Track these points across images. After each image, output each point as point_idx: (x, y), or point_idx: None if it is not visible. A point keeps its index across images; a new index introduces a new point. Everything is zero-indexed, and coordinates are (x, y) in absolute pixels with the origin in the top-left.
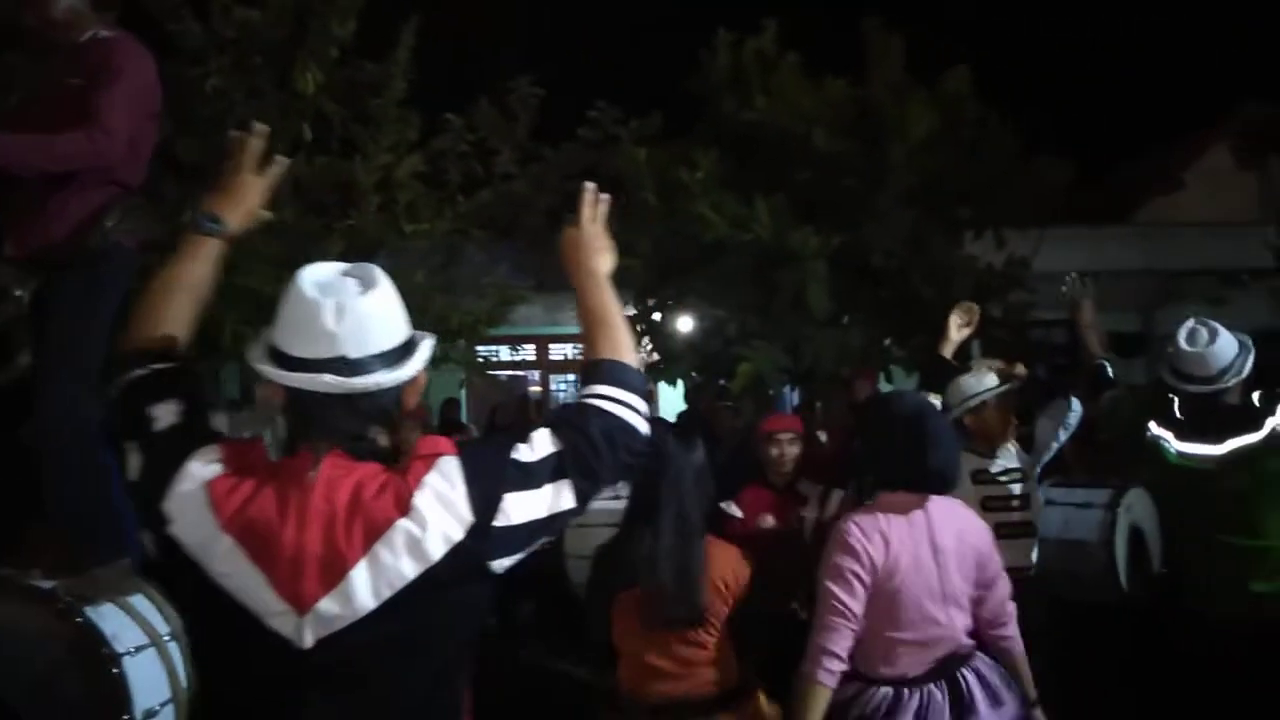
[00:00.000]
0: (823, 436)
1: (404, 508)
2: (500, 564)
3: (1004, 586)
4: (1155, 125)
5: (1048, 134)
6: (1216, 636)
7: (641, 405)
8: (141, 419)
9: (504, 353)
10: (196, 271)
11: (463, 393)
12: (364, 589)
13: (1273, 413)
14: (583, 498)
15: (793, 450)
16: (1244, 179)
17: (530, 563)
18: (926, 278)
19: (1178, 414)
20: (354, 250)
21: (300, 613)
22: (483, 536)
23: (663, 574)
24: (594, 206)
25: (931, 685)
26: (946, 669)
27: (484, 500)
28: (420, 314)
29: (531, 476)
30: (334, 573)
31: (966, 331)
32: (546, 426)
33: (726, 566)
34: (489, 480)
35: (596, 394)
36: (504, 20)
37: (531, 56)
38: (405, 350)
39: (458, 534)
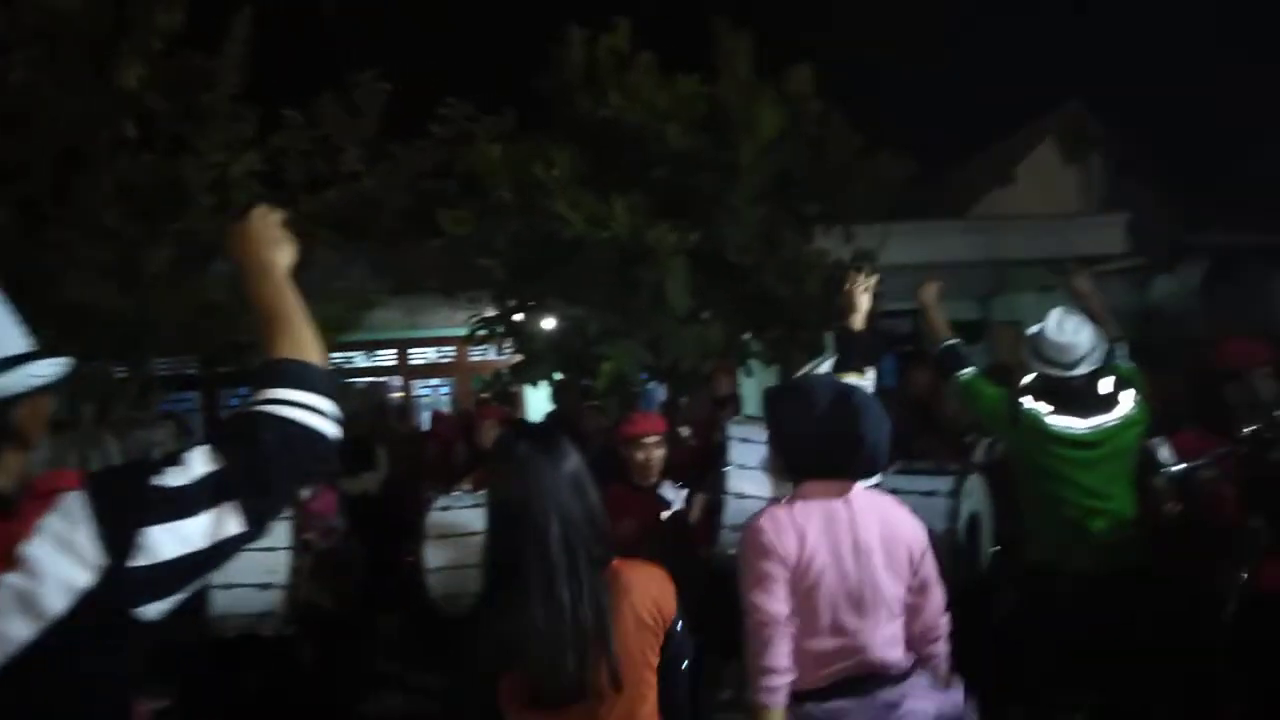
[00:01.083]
0: (685, 432)
1: (9, 560)
2: (150, 610)
3: (938, 594)
4: (988, 124)
5: (889, 132)
6: (1061, 586)
7: (327, 406)
8: None
9: (361, 359)
10: None
11: None
12: None
13: (1123, 397)
14: (256, 519)
15: (658, 454)
16: (1068, 172)
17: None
18: (780, 272)
19: (1044, 393)
20: (186, 256)
21: None
22: (118, 581)
23: (541, 653)
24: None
25: (841, 702)
26: (864, 690)
27: (117, 537)
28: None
29: (182, 503)
30: None
31: (862, 302)
32: (206, 441)
33: (647, 593)
34: (123, 513)
35: (270, 398)
36: (346, 11)
37: (377, 50)
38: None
39: (83, 581)
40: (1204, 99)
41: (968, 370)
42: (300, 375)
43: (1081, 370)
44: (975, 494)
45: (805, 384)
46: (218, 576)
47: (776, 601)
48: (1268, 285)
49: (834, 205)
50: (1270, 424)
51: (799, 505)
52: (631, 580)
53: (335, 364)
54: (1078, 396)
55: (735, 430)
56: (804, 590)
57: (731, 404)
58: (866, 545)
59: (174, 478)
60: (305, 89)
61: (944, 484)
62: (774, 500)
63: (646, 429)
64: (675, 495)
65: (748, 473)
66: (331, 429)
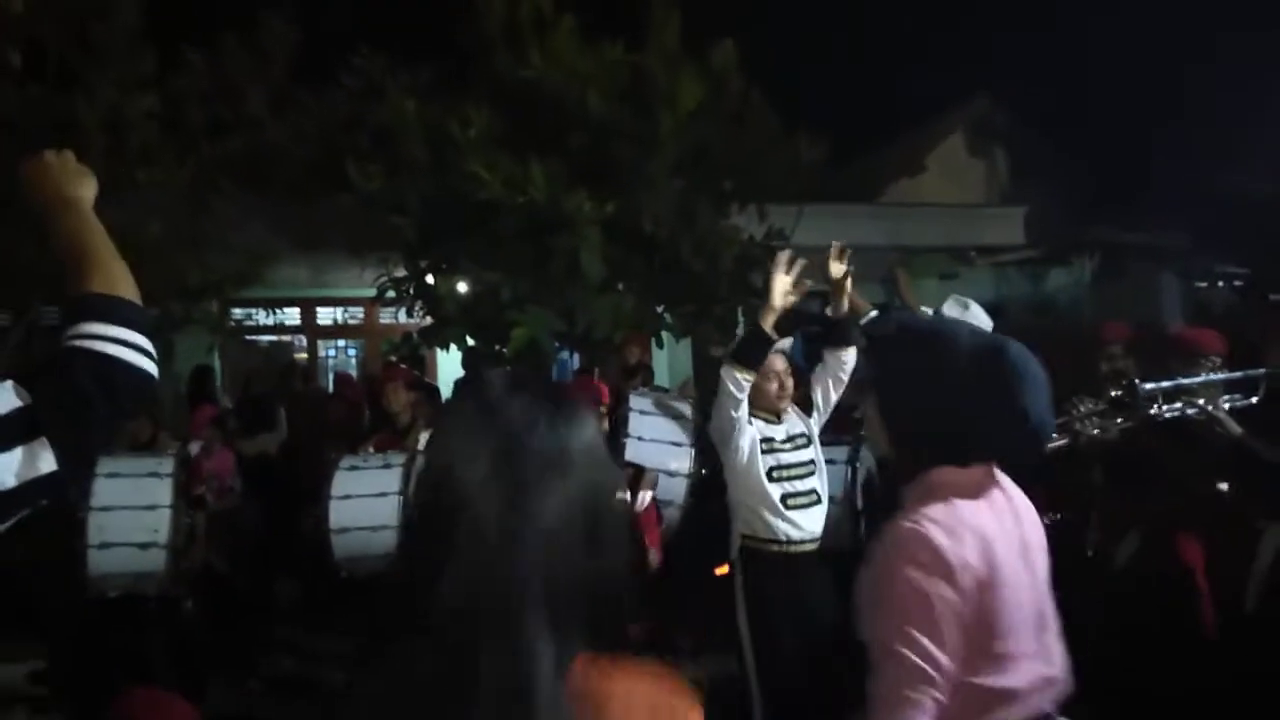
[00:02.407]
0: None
1: None
2: None
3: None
4: (900, 114)
5: (804, 115)
6: None
7: (143, 342)
8: None
9: (263, 317)
10: None
11: (215, 359)
12: None
13: None
14: (73, 455)
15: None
16: (975, 165)
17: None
18: (694, 247)
19: None
20: None
21: None
22: None
23: None
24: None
25: None
26: None
27: None
28: (155, 271)
29: None
30: None
31: (789, 287)
32: (9, 378)
33: None
34: None
35: (82, 333)
36: None
37: None
38: None
39: None
40: (1106, 99)
41: None
42: (112, 309)
43: None
44: (869, 460)
45: (936, 330)
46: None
47: (940, 643)
48: (1152, 281)
49: (749, 183)
50: (1129, 389)
51: (957, 502)
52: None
53: (236, 320)
54: None
55: (636, 401)
56: (986, 615)
57: (641, 373)
58: (1032, 544)
59: None
60: (209, 29)
61: (841, 453)
62: (678, 475)
63: (581, 392)
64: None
65: (646, 445)
66: (148, 365)
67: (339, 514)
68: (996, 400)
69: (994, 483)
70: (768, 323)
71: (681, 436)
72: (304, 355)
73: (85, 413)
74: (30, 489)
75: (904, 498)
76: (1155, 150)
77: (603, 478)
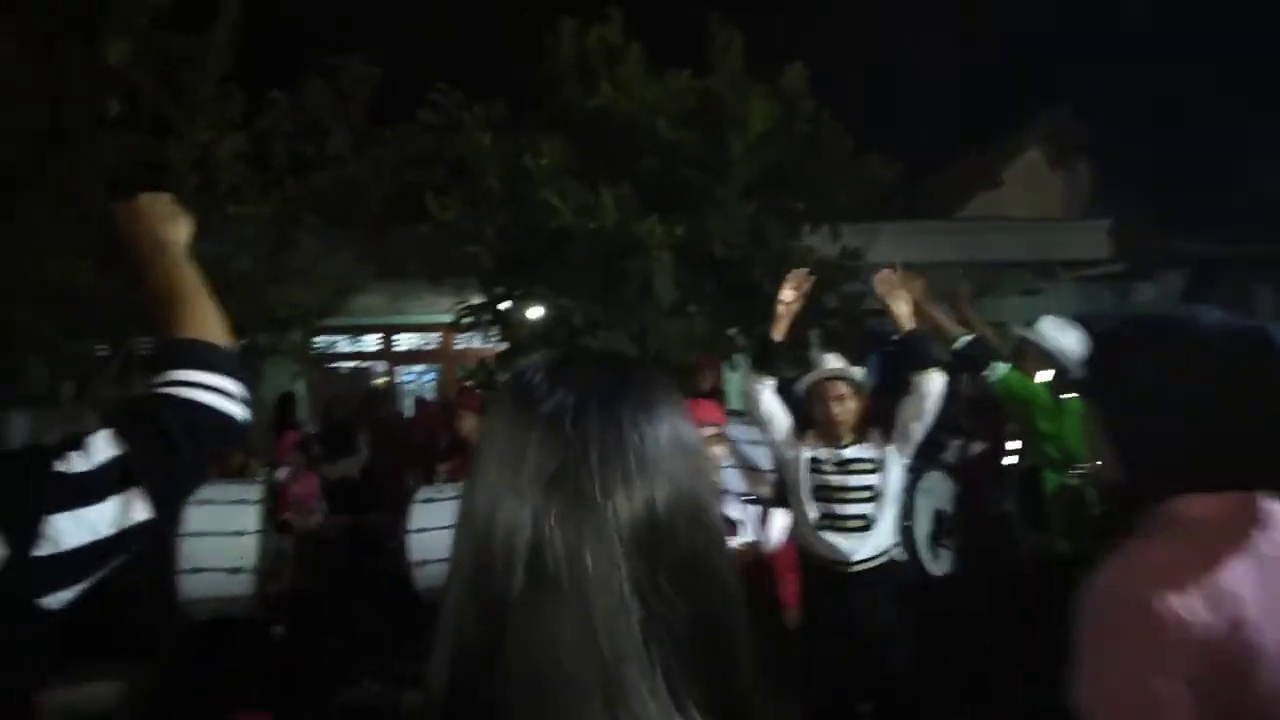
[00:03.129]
0: None
1: None
2: (54, 599)
3: None
4: (977, 127)
5: (878, 131)
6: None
7: (233, 387)
8: None
9: (345, 344)
10: None
11: (300, 386)
12: None
13: None
14: (163, 504)
15: (714, 451)
16: (1055, 178)
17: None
18: (766, 268)
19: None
20: None
21: None
22: (20, 571)
23: None
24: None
25: None
26: None
27: (17, 527)
28: (246, 305)
29: (84, 489)
30: None
31: (792, 300)
32: (108, 425)
33: None
34: (23, 501)
35: (173, 380)
36: None
37: (367, 33)
38: None
39: None
40: (1192, 109)
41: (1003, 365)
42: (203, 356)
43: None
44: (938, 491)
45: (1174, 321)
46: (187, 561)
47: None
48: (1246, 293)
49: (822, 203)
50: None
51: (1204, 546)
52: None
53: (319, 349)
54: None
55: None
56: (1232, 713)
57: (714, 398)
58: None
59: (75, 463)
60: (294, 72)
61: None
62: (754, 501)
63: (704, 418)
64: (745, 515)
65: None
66: (238, 410)
67: (418, 547)
68: (1263, 405)
69: (1260, 518)
70: (774, 330)
71: (764, 460)
72: (383, 380)
73: (175, 461)
74: (125, 537)
75: (1131, 533)
76: (1245, 159)
77: (696, 487)
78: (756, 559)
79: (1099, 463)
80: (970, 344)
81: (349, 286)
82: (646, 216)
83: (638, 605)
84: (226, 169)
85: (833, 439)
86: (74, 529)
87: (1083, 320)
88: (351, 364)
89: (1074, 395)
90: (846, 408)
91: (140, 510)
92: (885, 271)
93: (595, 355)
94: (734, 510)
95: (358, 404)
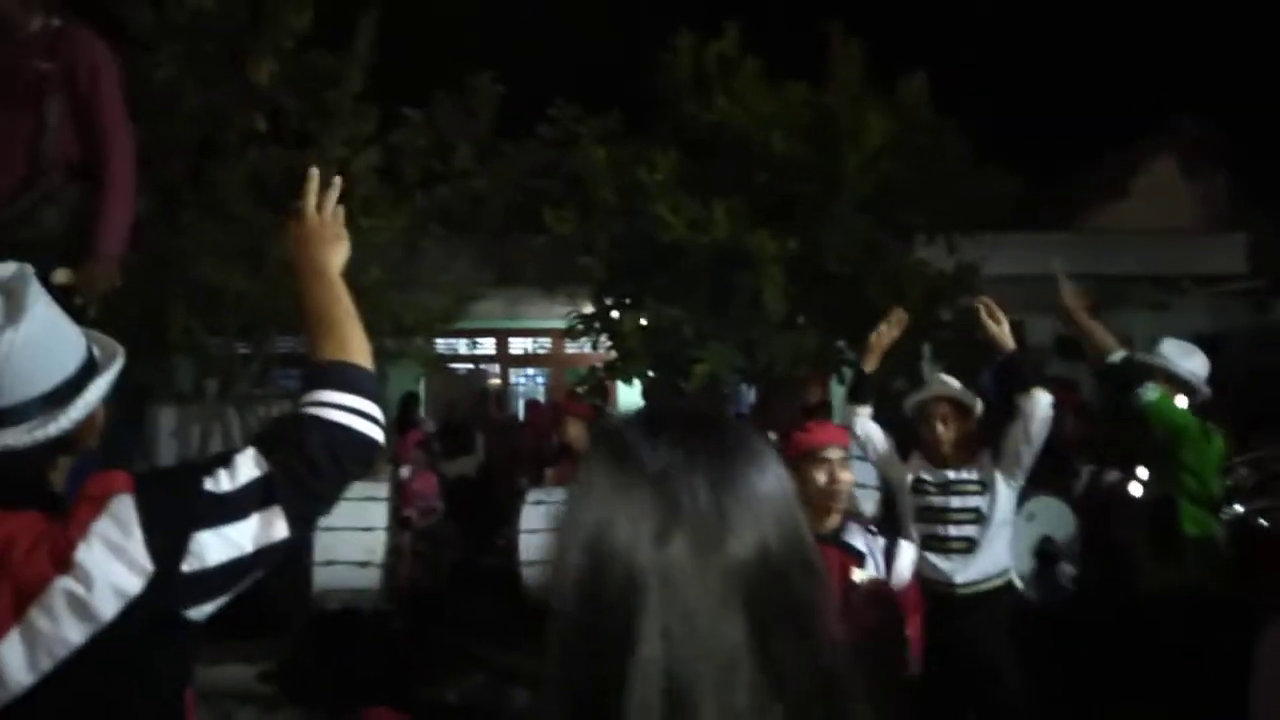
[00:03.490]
0: (771, 436)
1: (62, 563)
2: (199, 611)
3: None
4: (1101, 136)
5: (998, 142)
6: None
7: (373, 410)
8: None
9: (463, 347)
10: None
11: (421, 387)
12: (18, 663)
13: None
14: (300, 523)
15: (846, 478)
16: (1187, 189)
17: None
18: (879, 282)
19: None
20: None
21: None
22: (168, 585)
23: None
24: (318, 195)
25: None
26: None
27: (167, 543)
28: (376, 311)
29: (230, 507)
30: None
31: (890, 336)
32: (253, 443)
33: None
34: (173, 518)
35: (317, 401)
36: (465, 15)
37: (493, 52)
38: (62, 399)
39: (134, 587)
40: None
41: (1153, 388)
42: (346, 378)
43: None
44: (1044, 516)
45: None
46: (320, 554)
47: None
48: None
49: (939, 215)
50: None
51: None
52: None
53: (439, 352)
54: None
55: None
56: None
57: (821, 412)
58: None
59: (222, 482)
60: (424, 89)
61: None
62: (879, 531)
63: (828, 439)
64: (869, 544)
65: None
66: (376, 432)
67: (528, 548)
68: None
69: None
70: (865, 362)
71: (869, 477)
72: (497, 382)
73: (314, 481)
74: (265, 554)
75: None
76: None
77: (802, 534)
78: (880, 594)
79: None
80: (1123, 361)
81: (470, 294)
82: (758, 230)
83: (754, 659)
84: (362, 182)
85: (937, 460)
86: (219, 545)
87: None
88: (468, 366)
89: (1218, 427)
90: (951, 428)
91: (280, 528)
92: (1069, 291)
93: (687, 411)
94: (858, 540)
95: (473, 405)
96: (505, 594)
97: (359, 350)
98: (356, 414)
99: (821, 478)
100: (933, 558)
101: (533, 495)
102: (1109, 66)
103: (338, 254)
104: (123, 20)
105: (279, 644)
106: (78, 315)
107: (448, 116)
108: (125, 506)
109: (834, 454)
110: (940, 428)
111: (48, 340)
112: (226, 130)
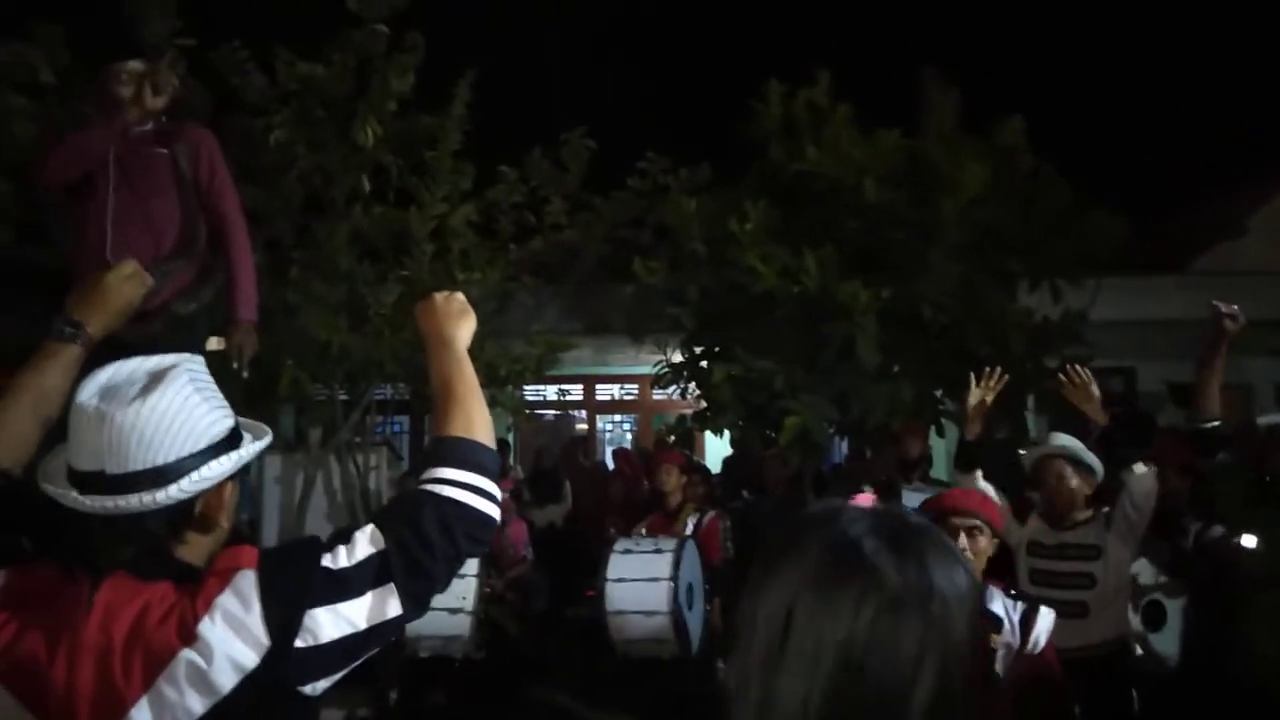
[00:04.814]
0: (867, 491)
1: (187, 636)
2: (314, 687)
3: None
4: (1212, 172)
5: (1101, 183)
6: None
7: (490, 487)
8: None
9: (551, 393)
10: (47, 381)
11: (511, 436)
12: None
13: None
14: (414, 601)
15: (984, 544)
16: None
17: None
18: (979, 331)
19: None
20: (407, 297)
21: None
22: (283, 661)
23: None
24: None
25: None
26: None
27: (283, 619)
28: (472, 362)
29: (345, 586)
30: (110, 713)
31: (983, 400)
32: (373, 521)
33: None
34: (290, 595)
35: (435, 478)
36: (557, 72)
37: (584, 107)
38: (183, 470)
39: (251, 661)
40: None
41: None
42: (466, 455)
43: None
44: (1145, 575)
45: None
46: None
47: None
48: None
49: (1040, 262)
50: None
51: None
52: None
53: (528, 400)
54: None
55: (907, 496)
56: None
57: (922, 466)
58: None
59: (340, 559)
60: (518, 146)
61: None
62: (1018, 596)
63: (970, 505)
64: (1007, 608)
65: None
66: (493, 510)
67: (614, 597)
68: None
69: None
70: (967, 430)
71: None
72: (584, 427)
73: (428, 560)
74: (377, 632)
75: None
76: None
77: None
78: (1043, 673)
79: None
80: (1214, 430)
81: (562, 344)
82: (850, 279)
83: None
84: (459, 237)
85: (1053, 520)
86: (333, 622)
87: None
88: (555, 412)
89: None
90: (1068, 487)
91: (393, 606)
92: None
93: (910, 526)
94: (997, 605)
95: (562, 453)
96: (591, 644)
97: (481, 426)
98: (473, 490)
99: (960, 542)
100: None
101: (621, 544)
102: (1217, 98)
103: (464, 328)
104: (236, 87)
105: (372, 690)
106: (234, 378)
107: (540, 171)
108: (248, 582)
109: (970, 521)
110: (1058, 485)
111: (177, 416)
112: (332, 189)
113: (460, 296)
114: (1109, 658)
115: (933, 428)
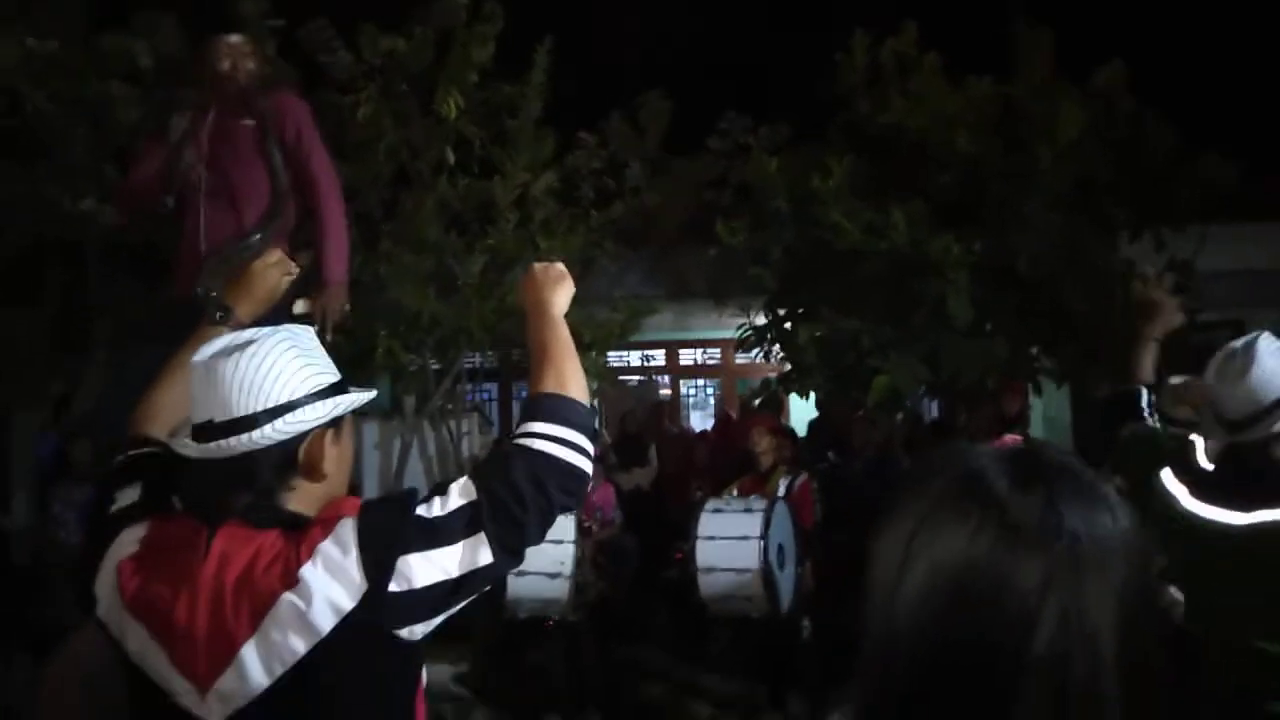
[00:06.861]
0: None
1: (289, 580)
2: (411, 631)
3: None
4: None
5: (1211, 128)
6: None
7: (584, 442)
8: (105, 503)
9: (634, 359)
10: None
11: (595, 401)
12: (256, 667)
13: None
14: (506, 550)
15: None
16: None
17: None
18: (1079, 284)
19: (1200, 463)
20: (493, 266)
21: (202, 692)
22: (378, 604)
23: None
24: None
25: None
26: None
27: (378, 563)
28: None
29: (437, 534)
30: (223, 652)
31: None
32: (468, 474)
33: None
34: (385, 540)
35: (529, 432)
36: (634, 34)
37: (661, 68)
38: (279, 412)
39: (347, 604)
40: None
41: (1133, 425)
42: (559, 410)
43: (1262, 432)
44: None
45: None
46: None
47: None
48: None
49: (1144, 211)
50: None
51: None
52: None
53: (612, 366)
54: (1243, 472)
55: None
56: None
57: (1021, 423)
58: None
59: (434, 508)
60: (597, 110)
61: None
62: None
63: None
64: None
65: None
66: (585, 464)
67: (704, 554)
68: None
69: None
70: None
71: None
72: (668, 392)
73: (519, 511)
74: (469, 579)
75: None
76: None
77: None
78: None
79: None
80: (1134, 394)
81: (645, 309)
82: (940, 234)
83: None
84: (541, 205)
85: None
86: (425, 569)
87: None
88: (638, 378)
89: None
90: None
91: (484, 555)
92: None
93: (1053, 460)
94: None
95: (646, 417)
96: (682, 606)
97: (574, 384)
98: (565, 444)
99: None
100: None
101: (711, 504)
102: None
103: (562, 295)
104: (324, 65)
105: (473, 648)
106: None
107: (619, 135)
108: (348, 529)
109: None
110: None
111: (274, 367)
112: (418, 162)
113: (559, 265)
114: None
115: (1030, 385)
